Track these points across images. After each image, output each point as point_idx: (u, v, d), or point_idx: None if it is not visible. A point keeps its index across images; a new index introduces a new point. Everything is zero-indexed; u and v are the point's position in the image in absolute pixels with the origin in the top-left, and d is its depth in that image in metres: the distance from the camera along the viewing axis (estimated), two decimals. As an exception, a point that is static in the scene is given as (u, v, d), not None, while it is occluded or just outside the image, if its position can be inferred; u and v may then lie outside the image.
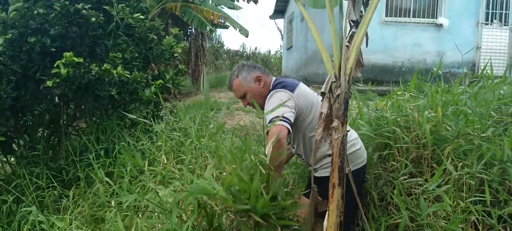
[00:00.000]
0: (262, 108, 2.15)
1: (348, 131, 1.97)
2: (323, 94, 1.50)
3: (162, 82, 4.10)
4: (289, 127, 1.90)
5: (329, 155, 1.88)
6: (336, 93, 1.44)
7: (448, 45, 8.31)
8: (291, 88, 2.11)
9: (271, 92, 2.12)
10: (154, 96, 4.00)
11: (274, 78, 2.29)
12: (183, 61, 10.56)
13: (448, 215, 1.98)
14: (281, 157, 1.96)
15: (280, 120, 1.88)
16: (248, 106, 2.32)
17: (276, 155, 1.82)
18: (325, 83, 1.50)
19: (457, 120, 2.52)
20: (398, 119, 2.46)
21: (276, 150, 1.81)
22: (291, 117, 1.94)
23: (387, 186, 2.29)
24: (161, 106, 4.49)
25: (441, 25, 8.64)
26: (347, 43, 1.52)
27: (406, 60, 8.63)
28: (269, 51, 23.94)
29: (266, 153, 1.80)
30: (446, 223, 1.85)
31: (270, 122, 1.91)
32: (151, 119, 3.98)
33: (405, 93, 2.68)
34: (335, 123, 1.42)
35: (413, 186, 2.23)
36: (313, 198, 1.66)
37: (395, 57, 8.59)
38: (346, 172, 1.70)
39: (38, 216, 2.77)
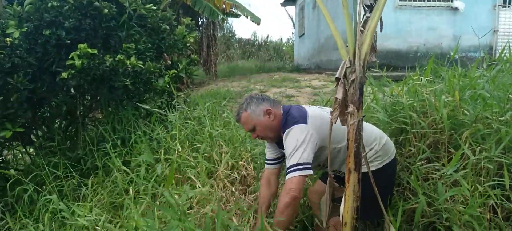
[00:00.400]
0: (275, 141, 2.24)
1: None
2: (337, 79, 1.49)
3: (175, 72, 4.13)
4: (309, 171, 1.91)
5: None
6: (351, 79, 1.43)
7: (464, 29, 8.14)
8: (303, 120, 2.03)
9: (286, 131, 2.03)
10: (168, 86, 4.03)
11: (282, 107, 2.24)
12: (195, 51, 10.59)
13: (466, 199, 1.96)
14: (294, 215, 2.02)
15: (299, 170, 1.89)
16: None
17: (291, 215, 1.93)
18: (339, 68, 1.49)
19: (475, 104, 2.48)
20: (415, 104, 2.43)
21: (292, 208, 1.90)
22: (309, 155, 1.92)
23: (404, 171, 2.28)
24: (174, 96, 4.53)
25: (456, 8, 8.45)
26: (361, 28, 1.50)
27: (421, 45, 8.48)
28: (281, 39, 23.88)
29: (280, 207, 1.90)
30: (464, 208, 1.83)
31: (289, 170, 1.92)
32: (165, 109, 4.02)
33: (421, 78, 2.65)
34: (351, 108, 1.42)
35: (430, 171, 2.21)
36: (330, 184, 1.67)
37: (410, 42, 8.45)
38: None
39: (58, 204, 2.84)
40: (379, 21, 1.57)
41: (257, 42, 22.60)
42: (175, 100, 4.35)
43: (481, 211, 1.89)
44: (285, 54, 19.86)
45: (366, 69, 1.45)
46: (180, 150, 3.23)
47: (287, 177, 1.92)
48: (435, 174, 2.18)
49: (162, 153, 3.16)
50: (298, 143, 1.92)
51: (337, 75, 1.48)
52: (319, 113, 2.11)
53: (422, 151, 2.20)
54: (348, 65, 1.45)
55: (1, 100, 3.38)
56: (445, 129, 2.23)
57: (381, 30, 1.76)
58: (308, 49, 13.36)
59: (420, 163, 2.17)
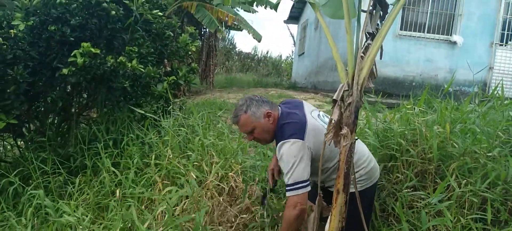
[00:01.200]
0: (269, 142, 2.28)
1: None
2: (334, 101, 1.53)
3: (175, 78, 4.16)
4: (309, 186, 1.94)
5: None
6: (348, 102, 1.47)
7: (460, 63, 8.29)
8: (301, 134, 1.99)
9: (281, 143, 2.02)
10: (165, 92, 4.06)
11: (279, 109, 2.23)
12: (194, 60, 10.64)
13: (448, 230, 2.00)
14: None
15: (301, 188, 1.91)
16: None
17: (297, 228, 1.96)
18: (337, 91, 1.53)
19: (465, 137, 2.53)
20: (406, 132, 2.48)
21: (300, 220, 1.93)
22: (307, 173, 1.94)
23: (390, 198, 2.31)
24: (171, 102, 4.55)
25: (455, 42, 8.61)
26: (362, 54, 1.55)
27: (417, 75, 8.60)
28: (280, 56, 24.07)
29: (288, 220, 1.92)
30: (446, 238, 1.86)
31: (289, 189, 1.94)
32: (160, 114, 4.04)
33: (414, 108, 2.70)
34: (344, 130, 1.46)
35: (416, 199, 2.25)
36: (319, 203, 1.69)
37: (407, 71, 8.57)
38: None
39: (43, 200, 2.82)
40: (379, 49, 1.62)
41: (256, 56, 22.78)
42: (171, 107, 4.38)
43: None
44: (283, 71, 20.01)
45: (363, 94, 1.49)
46: (171, 156, 3.24)
47: (289, 194, 1.93)
48: (420, 202, 2.22)
49: (153, 157, 3.16)
50: (297, 160, 1.91)
51: (334, 97, 1.52)
52: (317, 126, 2.06)
53: (409, 179, 2.24)
54: (346, 88, 1.50)
55: (-2, 91, 3.39)
56: (433, 159, 2.28)
57: (380, 58, 1.81)
58: (307, 68, 13.49)
59: (406, 190, 2.20)
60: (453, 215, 1.91)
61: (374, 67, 1.71)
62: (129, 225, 2.37)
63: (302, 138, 1.97)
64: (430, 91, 3.27)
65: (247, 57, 22.66)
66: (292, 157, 1.93)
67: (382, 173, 2.39)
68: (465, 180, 2.20)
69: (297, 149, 1.94)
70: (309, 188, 1.94)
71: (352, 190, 1.73)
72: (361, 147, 2.11)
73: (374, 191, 2.18)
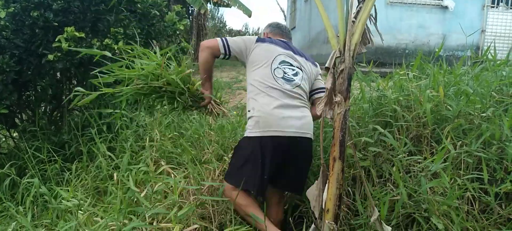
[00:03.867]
0: None
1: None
2: (327, 69, 1.51)
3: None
4: (223, 42, 2.37)
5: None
6: (340, 69, 1.45)
7: (453, 28, 8.26)
8: (260, 39, 2.45)
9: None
10: (156, 73, 4.00)
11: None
12: (185, 40, 10.49)
13: (445, 191, 2.01)
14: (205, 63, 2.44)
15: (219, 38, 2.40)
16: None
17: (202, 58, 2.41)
18: (329, 58, 1.50)
19: (458, 100, 2.53)
20: (401, 98, 2.47)
21: (201, 52, 2.40)
22: (231, 42, 2.38)
23: (386, 164, 2.31)
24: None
25: (446, 7, 8.54)
26: (353, 19, 1.52)
27: (410, 42, 8.56)
28: (272, 31, 23.71)
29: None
30: (443, 199, 1.88)
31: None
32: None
33: (408, 73, 2.69)
34: (338, 98, 1.44)
35: (412, 164, 2.25)
36: (324, 172, 1.66)
37: (399, 39, 8.53)
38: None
39: (40, 188, 2.82)
40: (371, 13, 1.59)
41: (248, 33, 22.51)
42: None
43: (459, 203, 1.94)
44: (276, 46, 19.81)
45: (355, 60, 1.47)
46: (163, 136, 3.23)
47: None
48: (416, 166, 2.23)
49: (147, 139, 3.14)
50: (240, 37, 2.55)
51: (326, 65, 1.49)
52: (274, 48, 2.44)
53: (405, 144, 2.24)
54: (338, 55, 1.47)
55: (-15, 82, 3.32)
56: (428, 123, 2.27)
57: (375, 23, 1.79)
58: (299, 42, 13.39)
59: (402, 155, 2.21)
60: (449, 177, 1.91)
61: (368, 33, 1.68)
62: (128, 207, 2.37)
63: (258, 41, 2.44)
64: (423, 57, 3.26)
65: (238, 35, 22.38)
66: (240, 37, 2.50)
67: (378, 140, 2.38)
68: (460, 142, 2.20)
69: (249, 38, 2.49)
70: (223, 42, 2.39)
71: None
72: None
73: (266, 144, 2.16)
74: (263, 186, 2.16)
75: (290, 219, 2.30)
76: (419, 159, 2.22)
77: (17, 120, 4.25)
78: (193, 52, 12.01)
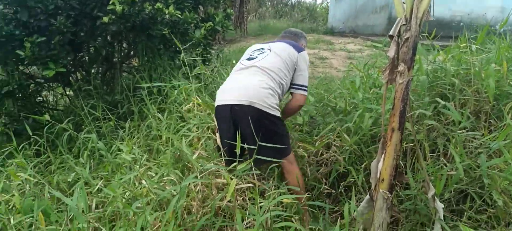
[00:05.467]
0: None
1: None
2: (391, 37, 1.46)
3: (212, 25, 4.13)
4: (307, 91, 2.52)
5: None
6: (405, 37, 1.40)
7: (513, 1, 7.68)
8: None
9: (302, 52, 2.55)
10: (204, 38, 4.05)
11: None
12: (229, 6, 10.47)
13: (501, 170, 1.94)
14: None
15: (306, 90, 2.49)
16: None
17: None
18: (394, 26, 1.45)
19: (522, 76, 2.39)
20: (461, 71, 2.36)
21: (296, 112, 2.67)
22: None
23: (441, 138, 2.25)
24: (209, 50, 4.55)
25: (508, -22, 7.94)
26: (422, -15, 1.45)
27: (465, 15, 8.06)
28: (315, 1, 23.20)
29: (289, 109, 2.53)
30: (504, 175, 1.81)
31: (302, 88, 2.47)
32: (200, 61, 4.06)
33: (470, 46, 2.55)
34: (401, 67, 1.40)
35: (468, 140, 2.18)
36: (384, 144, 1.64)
37: (454, 11, 8.03)
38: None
39: (97, 143, 2.97)
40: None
41: (290, 2, 22.07)
42: (209, 54, 4.38)
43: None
44: (319, 17, 19.33)
45: (421, 28, 1.41)
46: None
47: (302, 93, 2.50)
48: (473, 143, 2.15)
49: (193, 104, 3.20)
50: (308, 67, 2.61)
51: (390, 33, 1.45)
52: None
53: (466, 118, 2.15)
54: (404, 22, 1.42)
55: (45, 41, 3.49)
56: (489, 98, 2.17)
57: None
58: (344, 12, 12.97)
59: (460, 131, 2.14)
60: (510, 154, 1.84)
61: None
62: (181, 164, 2.47)
63: None
64: (479, 31, 3.08)
65: (281, 3, 22.01)
66: (307, 64, 2.57)
67: (433, 114, 2.31)
68: (522, 120, 2.10)
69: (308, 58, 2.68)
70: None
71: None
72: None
73: (217, 114, 2.40)
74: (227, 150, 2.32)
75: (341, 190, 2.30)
76: (477, 135, 2.14)
77: (71, 79, 4.46)
78: (233, 20, 11.98)
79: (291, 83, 2.52)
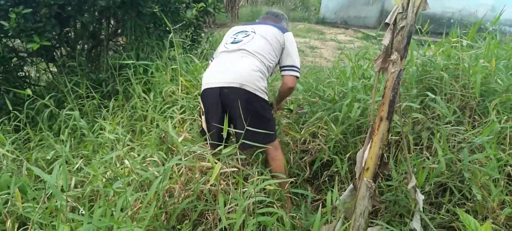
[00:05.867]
0: None
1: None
2: (387, 25, 1.44)
3: (204, 6, 4.06)
4: (299, 72, 2.49)
5: None
6: (401, 25, 1.38)
7: (505, 1, 7.75)
8: None
9: (287, 33, 2.53)
10: (195, 19, 3.99)
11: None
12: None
13: (482, 165, 1.97)
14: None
15: (297, 71, 2.43)
16: None
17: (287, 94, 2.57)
18: (390, 14, 1.43)
19: (508, 74, 2.41)
20: (450, 66, 2.37)
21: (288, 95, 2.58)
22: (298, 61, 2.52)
23: (425, 131, 2.26)
24: (199, 32, 4.48)
25: (500, -23, 8.00)
26: (421, -28, 1.42)
27: (456, 11, 8.10)
28: (308, -10, 22.99)
29: (281, 93, 2.53)
30: (485, 169, 1.83)
31: (291, 68, 2.43)
32: (189, 43, 4.00)
33: (461, 41, 2.55)
34: (394, 56, 1.38)
35: (452, 134, 2.20)
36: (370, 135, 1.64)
37: (446, 6, 8.05)
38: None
39: (79, 121, 2.90)
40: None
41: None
42: (199, 36, 4.32)
43: (498, 177, 1.89)
44: (311, 6, 19.23)
45: (417, 18, 1.39)
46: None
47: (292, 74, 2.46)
48: (456, 137, 2.17)
49: (180, 86, 3.16)
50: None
51: (386, 21, 1.42)
52: None
53: (453, 113, 2.16)
54: (400, 10, 1.40)
55: (30, 13, 3.38)
56: (476, 94, 2.19)
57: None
58: (337, 3, 12.92)
59: (445, 125, 2.15)
60: (493, 150, 1.86)
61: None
62: (164, 146, 2.43)
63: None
64: (470, 27, 3.09)
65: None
66: (295, 45, 2.53)
67: (421, 107, 2.32)
68: (506, 116, 2.12)
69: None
70: None
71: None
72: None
73: (204, 97, 2.33)
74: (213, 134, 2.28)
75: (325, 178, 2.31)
76: (461, 129, 2.16)
77: (55, 55, 4.34)
78: (225, 4, 11.83)
79: (280, 66, 2.49)
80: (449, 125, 2.16)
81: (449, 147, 2.17)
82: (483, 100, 2.32)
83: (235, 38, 2.50)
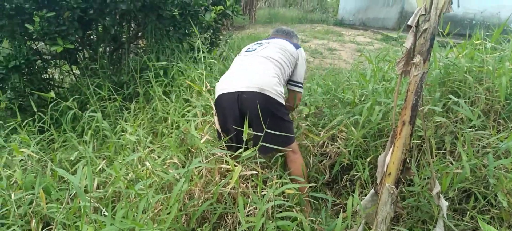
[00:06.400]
0: None
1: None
2: (409, 27, 1.42)
3: (222, 8, 4.08)
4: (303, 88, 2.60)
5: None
6: (424, 28, 1.36)
7: (528, 0, 7.53)
8: None
9: (300, 48, 2.59)
10: (214, 22, 4.02)
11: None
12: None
13: (508, 171, 1.91)
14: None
15: (301, 88, 2.55)
16: None
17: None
18: (413, 15, 1.41)
19: (535, 76, 2.34)
20: (473, 68, 2.31)
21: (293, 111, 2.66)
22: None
23: (448, 135, 2.21)
24: (218, 34, 4.51)
25: (524, -24, 7.77)
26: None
27: (478, 13, 7.91)
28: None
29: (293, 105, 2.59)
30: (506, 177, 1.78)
31: (299, 85, 2.54)
32: (208, 46, 4.03)
33: (485, 43, 2.49)
34: (417, 59, 1.36)
35: (477, 138, 2.14)
36: (392, 139, 1.63)
37: (467, 8, 7.88)
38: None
39: (102, 122, 2.96)
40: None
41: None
42: (218, 39, 4.34)
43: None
44: (329, 7, 19.11)
45: (441, 20, 1.37)
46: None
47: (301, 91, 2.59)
48: (480, 141, 2.12)
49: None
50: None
51: (409, 23, 1.40)
52: None
53: (477, 116, 2.11)
54: (423, 13, 1.37)
55: (54, 16, 3.47)
56: (501, 97, 2.13)
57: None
58: (355, 4, 12.79)
59: (469, 129, 2.10)
60: (519, 156, 1.81)
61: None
62: (184, 148, 2.45)
63: None
64: (493, 29, 3.01)
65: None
66: (305, 64, 2.64)
67: (444, 110, 2.27)
68: (534, 121, 2.06)
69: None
70: None
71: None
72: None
73: (220, 102, 2.31)
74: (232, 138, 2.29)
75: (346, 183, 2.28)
76: (486, 134, 2.10)
77: (78, 58, 4.44)
78: (243, 6, 11.86)
79: (290, 79, 2.54)
80: (473, 129, 2.10)
81: (473, 151, 2.12)
82: (508, 103, 2.25)
83: (249, 48, 2.58)
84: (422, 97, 1.40)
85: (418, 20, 1.39)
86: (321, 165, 2.60)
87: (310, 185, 2.35)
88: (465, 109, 2.04)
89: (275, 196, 1.87)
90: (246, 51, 2.54)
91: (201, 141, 2.10)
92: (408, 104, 1.40)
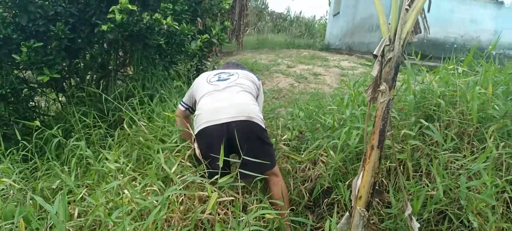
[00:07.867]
0: None
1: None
2: (375, 56, 1.49)
3: (208, 37, 4.17)
4: (181, 104, 2.81)
5: None
6: (388, 57, 1.43)
7: (507, 25, 7.80)
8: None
9: (260, 80, 2.74)
10: (199, 51, 4.09)
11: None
12: (227, 18, 10.57)
13: (479, 192, 1.96)
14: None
15: None
16: None
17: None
18: (378, 46, 1.48)
19: (506, 100, 2.43)
20: (447, 93, 2.40)
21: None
22: (184, 98, 2.80)
23: (424, 158, 2.27)
24: (204, 61, 4.59)
25: (502, 2, 8.07)
26: (407, 6, 1.48)
27: (459, 37, 8.16)
28: (314, 17, 23.40)
29: None
30: (482, 197, 1.83)
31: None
32: (194, 73, 4.10)
33: (457, 68, 2.59)
34: (383, 86, 1.43)
35: (451, 161, 2.20)
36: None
37: (449, 32, 8.12)
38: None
39: (86, 151, 2.97)
40: (425, 1, 1.55)
41: (289, 17, 22.24)
42: (204, 66, 4.41)
43: (496, 204, 1.88)
44: (317, 33, 19.49)
45: (404, 49, 1.45)
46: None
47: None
48: (454, 164, 2.18)
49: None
50: None
51: (375, 52, 1.48)
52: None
53: (451, 139, 2.18)
54: (387, 43, 1.45)
55: (41, 46, 3.51)
56: (473, 121, 2.20)
57: (428, 11, 1.73)
58: (342, 29, 13.08)
59: (443, 152, 2.16)
60: (490, 177, 1.86)
61: (424, 21, 1.63)
62: (165, 175, 2.47)
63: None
64: (474, 53, 3.13)
65: (280, 18, 22.18)
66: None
67: (419, 134, 2.34)
68: (504, 143, 2.13)
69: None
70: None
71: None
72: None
73: (204, 134, 2.30)
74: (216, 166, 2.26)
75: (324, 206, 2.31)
76: (459, 156, 2.16)
77: (65, 85, 4.47)
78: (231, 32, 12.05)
79: None
80: (447, 152, 2.17)
81: (448, 173, 2.17)
82: (481, 126, 2.33)
83: (220, 77, 2.61)
84: (389, 122, 1.46)
85: (383, 50, 1.46)
86: (303, 187, 2.63)
87: (291, 208, 2.38)
88: (435, 133, 2.11)
89: (255, 221, 1.89)
90: (218, 80, 2.57)
91: (173, 169, 2.14)
92: (376, 130, 1.46)
